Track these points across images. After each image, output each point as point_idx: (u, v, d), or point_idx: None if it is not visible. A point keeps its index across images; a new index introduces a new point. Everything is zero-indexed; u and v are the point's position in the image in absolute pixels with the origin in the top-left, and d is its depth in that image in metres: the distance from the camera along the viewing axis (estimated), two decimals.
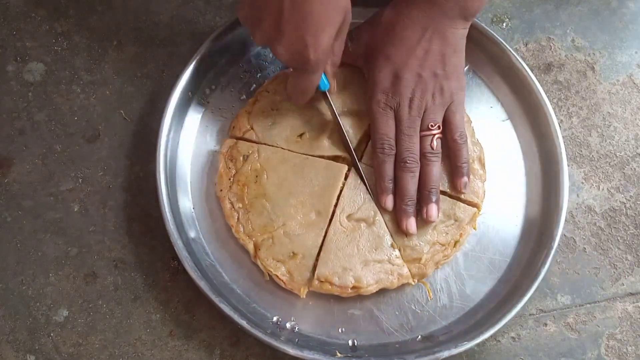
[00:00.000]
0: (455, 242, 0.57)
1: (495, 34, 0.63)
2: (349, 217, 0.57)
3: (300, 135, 0.59)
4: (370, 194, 0.58)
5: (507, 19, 0.70)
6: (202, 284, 0.53)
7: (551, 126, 0.61)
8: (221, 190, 0.58)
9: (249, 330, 0.52)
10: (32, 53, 0.64)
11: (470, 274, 0.58)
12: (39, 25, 0.65)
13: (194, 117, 0.61)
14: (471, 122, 0.62)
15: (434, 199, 0.56)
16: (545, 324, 0.59)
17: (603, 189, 0.64)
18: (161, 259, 0.58)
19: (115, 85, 0.63)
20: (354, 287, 0.55)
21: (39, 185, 0.60)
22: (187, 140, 0.61)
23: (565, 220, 0.58)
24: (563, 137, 0.61)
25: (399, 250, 0.56)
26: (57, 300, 0.56)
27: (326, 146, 0.59)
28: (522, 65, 0.63)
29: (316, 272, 0.55)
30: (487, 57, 0.65)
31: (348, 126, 0.59)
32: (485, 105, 0.64)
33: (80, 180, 0.60)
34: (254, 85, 0.63)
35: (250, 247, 0.56)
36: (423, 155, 0.56)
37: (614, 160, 0.65)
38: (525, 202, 0.61)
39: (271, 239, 0.56)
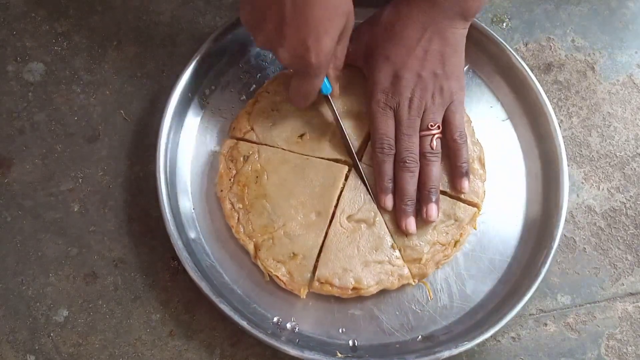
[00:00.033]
0: (456, 242, 0.57)
1: (495, 34, 0.63)
2: (349, 218, 0.57)
3: (301, 136, 0.59)
4: (370, 194, 0.58)
5: (507, 19, 0.70)
6: (202, 284, 0.53)
7: (551, 126, 0.61)
8: (221, 190, 0.58)
9: (249, 330, 0.52)
10: (32, 53, 0.64)
11: (470, 274, 0.58)
12: (39, 25, 0.65)
13: (194, 118, 0.61)
14: (471, 122, 0.62)
15: (433, 198, 0.56)
16: (545, 324, 0.59)
17: (603, 189, 0.64)
18: (161, 259, 0.58)
19: (115, 85, 0.63)
20: (354, 288, 0.55)
21: (39, 185, 0.60)
22: (187, 140, 0.61)
23: (565, 220, 0.58)
24: (563, 137, 0.61)
25: (399, 250, 0.56)
26: (57, 300, 0.56)
27: (327, 149, 0.59)
28: (522, 65, 0.63)
29: (316, 273, 0.55)
30: (487, 57, 0.65)
31: (349, 128, 0.59)
32: (485, 105, 0.64)
33: (80, 180, 0.60)
34: (254, 86, 0.63)
35: (251, 247, 0.56)
36: (423, 155, 0.56)
37: (614, 160, 0.65)
38: (525, 202, 0.61)
39: (271, 240, 0.56)
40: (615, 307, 0.60)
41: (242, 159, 0.59)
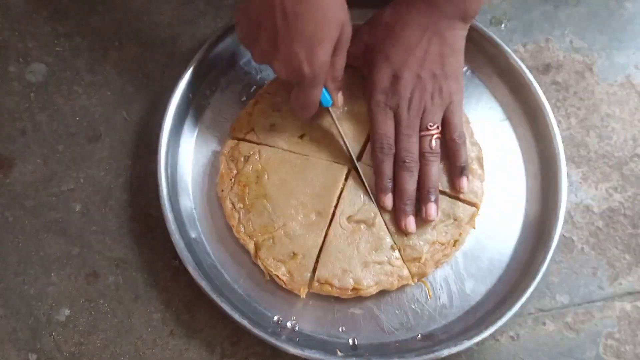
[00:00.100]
0: (455, 242, 0.58)
1: (493, 35, 0.64)
2: (349, 218, 0.57)
3: (301, 136, 0.60)
4: (370, 195, 0.58)
5: (506, 20, 0.70)
6: (203, 284, 0.53)
7: (549, 127, 0.61)
8: (222, 190, 0.58)
9: (249, 329, 0.52)
10: (34, 54, 0.64)
11: (469, 273, 0.59)
12: (41, 26, 0.65)
13: (195, 118, 0.62)
14: (469, 122, 0.62)
15: (433, 198, 0.56)
16: (544, 324, 0.59)
17: (601, 189, 0.64)
18: (162, 258, 0.58)
19: (116, 86, 0.64)
20: (353, 289, 0.55)
21: (41, 185, 0.60)
22: (188, 140, 0.61)
23: (564, 220, 0.58)
24: (561, 137, 0.61)
25: (399, 250, 0.57)
26: (59, 299, 0.57)
27: (328, 150, 0.59)
28: (520, 66, 0.63)
29: (316, 274, 0.55)
30: (486, 58, 0.65)
31: (350, 131, 0.59)
32: (484, 106, 0.65)
33: (81, 180, 0.60)
34: (254, 87, 0.63)
35: (251, 247, 0.56)
36: (422, 156, 0.57)
37: (612, 161, 0.65)
38: (524, 202, 0.61)
39: (272, 239, 0.56)
40: (614, 306, 0.60)
41: (242, 159, 0.59)
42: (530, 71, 0.63)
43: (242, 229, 0.57)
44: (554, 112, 0.62)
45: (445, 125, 0.58)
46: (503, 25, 0.70)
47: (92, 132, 0.62)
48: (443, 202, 0.58)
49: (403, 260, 0.56)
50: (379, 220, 0.57)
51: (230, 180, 0.58)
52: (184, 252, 0.54)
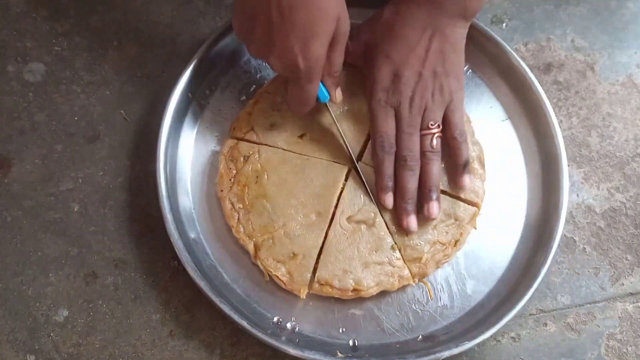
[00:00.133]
0: (456, 242, 0.57)
1: (495, 34, 0.64)
2: (349, 219, 0.57)
3: (301, 136, 0.59)
4: (370, 195, 0.58)
5: (507, 19, 0.70)
6: (202, 284, 0.53)
7: (551, 126, 0.61)
8: (222, 190, 0.58)
9: (249, 330, 0.52)
10: (33, 53, 0.64)
11: (470, 273, 0.58)
12: (40, 26, 0.65)
13: (194, 118, 0.62)
14: (471, 122, 0.62)
15: (434, 197, 0.56)
16: (545, 324, 0.59)
17: (603, 189, 0.64)
18: (161, 259, 0.58)
19: (115, 86, 0.63)
20: (354, 290, 0.55)
21: (39, 185, 0.60)
22: (187, 140, 0.61)
23: (565, 220, 0.58)
24: (563, 137, 0.61)
25: (400, 250, 0.56)
26: (57, 300, 0.56)
27: (328, 150, 0.59)
28: (521, 65, 0.63)
29: (316, 275, 0.55)
30: (487, 57, 0.65)
31: (350, 131, 0.59)
32: (485, 105, 0.65)
33: (80, 180, 0.60)
34: (254, 86, 0.63)
35: (251, 247, 0.56)
36: (423, 154, 0.57)
37: (614, 160, 0.65)
38: (525, 202, 0.61)
39: (271, 240, 0.56)
40: (615, 307, 0.60)
41: (242, 159, 0.59)
42: (532, 70, 0.63)
43: (242, 229, 0.56)
44: (555, 112, 0.62)
45: (446, 124, 0.57)
46: (504, 25, 0.70)
47: (91, 132, 0.62)
48: (444, 202, 0.58)
49: (404, 260, 0.56)
50: (379, 220, 0.57)
51: (230, 180, 0.58)
52: (183, 252, 0.54)
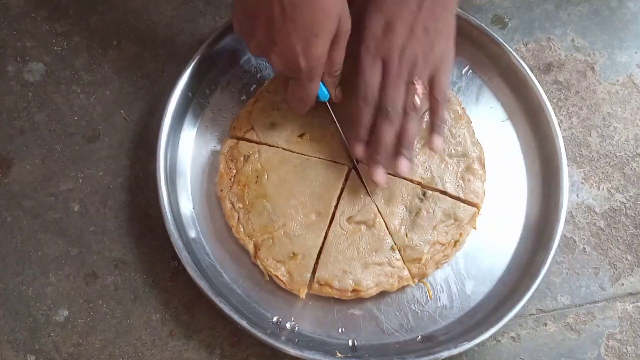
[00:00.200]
0: (456, 242, 0.57)
1: (495, 34, 0.63)
2: (349, 219, 0.57)
3: (301, 136, 0.59)
4: (370, 195, 0.58)
5: (507, 19, 0.70)
6: (202, 284, 0.53)
7: (551, 126, 0.61)
8: (222, 190, 0.58)
9: (249, 330, 0.52)
10: (33, 53, 0.64)
11: (470, 274, 0.58)
12: (40, 26, 0.65)
13: (194, 118, 0.62)
14: (471, 122, 0.62)
15: (407, 154, 0.55)
16: (545, 324, 0.59)
17: (603, 189, 0.64)
18: (161, 259, 0.58)
19: (115, 86, 0.63)
20: (353, 290, 0.55)
21: (39, 185, 0.60)
22: (187, 140, 0.61)
23: (565, 220, 0.58)
24: (563, 137, 0.61)
25: (399, 250, 0.56)
26: (57, 300, 0.56)
27: (328, 149, 0.59)
28: (522, 65, 0.63)
29: (316, 275, 0.55)
30: (487, 57, 0.65)
31: (350, 131, 0.59)
32: (485, 106, 0.64)
33: (80, 180, 0.60)
34: (254, 86, 0.63)
35: (251, 247, 0.56)
36: (404, 111, 0.55)
37: (614, 160, 0.65)
38: (525, 202, 0.61)
39: (271, 239, 0.56)
40: (615, 307, 0.60)
41: (242, 158, 0.59)
42: (532, 70, 0.63)
43: (242, 229, 0.56)
44: (555, 112, 0.62)
45: (430, 84, 0.56)
46: (504, 24, 0.69)
47: (90, 131, 0.62)
48: (444, 202, 0.58)
49: (403, 261, 0.56)
50: (379, 221, 0.57)
51: (230, 180, 0.58)
52: (183, 252, 0.54)
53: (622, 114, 0.67)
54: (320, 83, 0.55)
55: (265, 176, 0.58)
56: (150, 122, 0.62)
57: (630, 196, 0.64)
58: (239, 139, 0.60)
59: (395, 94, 0.54)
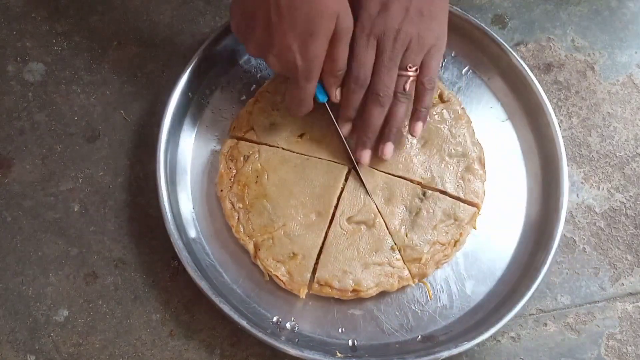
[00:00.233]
0: (456, 242, 0.57)
1: (495, 34, 0.63)
2: (349, 219, 0.57)
3: (301, 136, 0.59)
4: (369, 196, 0.58)
5: (507, 19, 0.70)
6: (202, 284, 0.53)
7: (551, 126, 0.61)
8: (222, 190, 0.58)
9: (249, 330, 0.52)
10: (33, 53, 0.64)
11: (470, 274, 0.58)
12: (40, 26, 0.65)
13: (194, 118, 0.62)
14: (471, 122, 0.62)
15: (392, 138, 0.56)
16: (545, 324, 0.59)
17: (603, 189, 0.64)
18: (161, 259, 0.58)
19: (115, 86, 0.63)
20: (353, 290, 0.55)
21: (39, 185, 0.60)
22: (187, 140, 0.61)
23: (565, 220, 0.58)
24: (563, 137, 0.61)
25: (399, 250, 0.56)
26: (57, 300, 0.56)
27: (328, 149, 0.59)
28: (522, 65, 0.63)
29: (316, 275, 0.55)
30: (487, 57, 0.65)
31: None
32: (485, 106, 0.64)
33: (80, 180, 0.60)
34: (254, 86, 0.63)
35: (251, 247, 0.56)
36: (393, 95, 0.55)
37: (614, 160, 0.65)
38: (525, 202, 0.61)
39: (271, 240, 0.56)
40: (615, 307, 0.60)
41: (242, 158, 0.59)
42: (532, 70, 0.63)
43: (242, 229, 0.56)
44: (555, 112, 0.62)
45: (420, 69, 0.56)
46: (504, 24, 0.69)
47: (90, 131, 0.62)
48: (444, 202, 0.58)
49: (403, 261, 0.56)
50: (379, 221, 0.57)
51: (230, 180, 0.58)
52: (183, 252, 0.54)
53: (622, 114, 0.67)
54: (319, 85, 0.55)
55: (265, 176, 0.58)
56: (150, 122, 0.62)
57: (630, 196, 0.64)
58: (239, 139, 0.60)
59: (387, 78, 0.54)
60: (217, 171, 0.59)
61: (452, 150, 0.60)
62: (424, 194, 0.58)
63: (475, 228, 0.59)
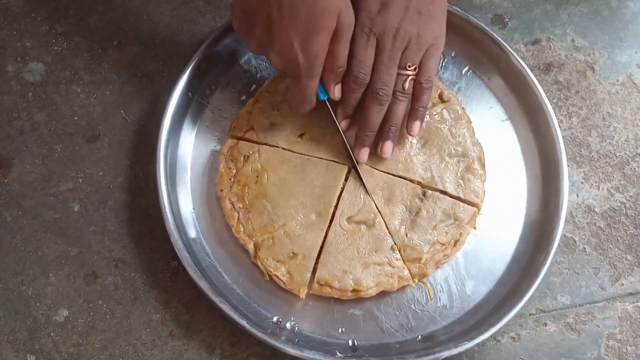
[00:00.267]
0: (455, 242, 0.57)
1: (495, 34, 0.64)
2: (349, 219, 0.57)
3: (301, 136, 0.59)
4: (369, 195, 0.58)
5: (507, 19, 0.70)
6: (202, 284, 0.53)
7: (551, 126, 0.61)
8: (222, 190, 0.58)
9: (249, 330, 0.52)
10: (33, 53, 0.64)
11: (470, 274, 0.58)
12: (40, 26, 0.65)
13: (194, 118, 0.62)
14: (471, 122, 0.62)
15: (391, 136, 0.56)
16: (545, 324, 0.59)
17: (603, 189, 0.64)
18: (161, 259, 0.58)
19: (115, 86, 0.63)
20: (353, 290, 0.55)
21: (39, 185, 0.60)
22: (187, 140, 0.61)
23: (565, 220, 0.58)
24: (563, 137, 0.61)
25: (399, 250, 0.56)
26: (57, 300, 0.56)
27: (328, 149, 0.59)
28: (522, 65, 0.63)
29: (316, 275, 0.55)
30: (487, 57, 0.65)
31: (350, 131, 0.59)
32: (485, 106, 0.64)
33: (80, 180, 0.60)
34: (254, 86, 0.63)
35: (251, 247, 0.56)
36: (392, 93, 0.55)
37: (614, 160, 0.65)
38: (525, 202, 0.61)
39: (271, 239, 0.56)
40: (615, 307, 0.60)
41: (242, 158, 0.59)
42: (532, 70, 0.63)
43: (242, 229, 0.56)
44: (555, 112, 0.62)
45: (419, 68, 0.56)
46: (504, 24, 0.69)
47: (90, 131, 0.62)
48: (444, 202, 0.58)
49: (403, 260, 0.56)
50: (379, 220, 0.57)
51: (230, 180, 0.58)
52: (183, 252, 0.54)
53: (622, 113, 0.67)
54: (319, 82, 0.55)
55: (265, 176, 0.58)
56: (150, 122, 0.62)
57: (630, 196, 0.64)
58: (239, 139, 0.60)
59: (387, 75, 0.54)
60: (217, 171, 0.59)
61: (452, 150, 0.60)
62: (424, 193, 0.58)
63: (475, 228, 0.59)
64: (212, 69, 0.62)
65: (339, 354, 0.53)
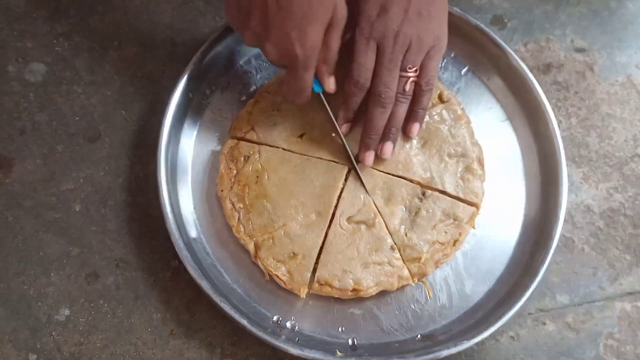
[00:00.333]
0: (455, 241, 0.58)
1: (494, 35, 0.64)
2: (349, 219, 0.57)
3: (301, 136, 0.60)
4: (369, 195, 0.58)
5: (507, 20, 0.70)
6: (202, 284, 0.53)
7: (550, 126, 0.61)
8: (222, 190, 0.58)
9: (249, 329, 0.52)
10: (33, 53, 0.64)
11: (469, 273, 0.59)
12: (40, 26, 0.65)
13: (195, 118, 0.62)
14: (470, 122, 0.62)
15: (392, 138, 0.57)
16: (544, 323, 0.59)
17: (602, 189, 0.64)
18: (162, 258, 0.58)
19: (115, 86, 0.64)
20: (353, 290, 0.55)
21: (40, 185, 0.60)
22: (187, 140, 0.61)
23: (564, 220, 0.58)
24: (562, 137, 0.61)
25: (399, 250, 0.56)
26: (59, 299, 0.57)
27: (327, 149, 0.59)
28: (521, 65, 0.63)
29: (316, 275, 0.55)
30: (487, 58, 0.65)
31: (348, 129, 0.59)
32: (485, 106, 0.65)
33: (81, 180, 0.60)
34: (254, 86, 0.63)
35: (251, 247, 0.56)
36: (394, 96, 0.56)
37: (613, 161, 0.65)
38: (524, 202, 0.61)
39: (271, 239, 0.56)
40: (614, 306, 0.60)
41: (242, 158, 0.59)
42: (531, 71, 0.63)
43: (242, 229, 0.57)
44: (554, 112, 0.62)
45: (420, 70, 0.56)
46: (504, 25, 0.70)
47: (91, 132, 0.62)
48: (443, 202, 0.58)
49: (403, 260, 0.56)
50: (379, 220, 0.57)
51: (230, 180, 0.58)
52: (183, 252, 0.54)
53: (621, 114, 0.67)
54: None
55: (266, 176, 0.58)
56: (151, 122, 0.62)
57: (629, 196, 0.64)
58: (239, 139, 0.60)
59: (388, 78, 0.55)
60: (218, 171, 0.59)
61: (452, 150, 0.60)
62: (424, 193, 0.58)
63: (474, 228, 0.59)
64: (212, 69, 0.62)
65: (339, 353, 0.53)
